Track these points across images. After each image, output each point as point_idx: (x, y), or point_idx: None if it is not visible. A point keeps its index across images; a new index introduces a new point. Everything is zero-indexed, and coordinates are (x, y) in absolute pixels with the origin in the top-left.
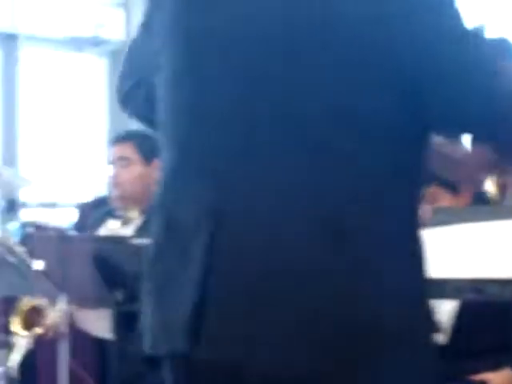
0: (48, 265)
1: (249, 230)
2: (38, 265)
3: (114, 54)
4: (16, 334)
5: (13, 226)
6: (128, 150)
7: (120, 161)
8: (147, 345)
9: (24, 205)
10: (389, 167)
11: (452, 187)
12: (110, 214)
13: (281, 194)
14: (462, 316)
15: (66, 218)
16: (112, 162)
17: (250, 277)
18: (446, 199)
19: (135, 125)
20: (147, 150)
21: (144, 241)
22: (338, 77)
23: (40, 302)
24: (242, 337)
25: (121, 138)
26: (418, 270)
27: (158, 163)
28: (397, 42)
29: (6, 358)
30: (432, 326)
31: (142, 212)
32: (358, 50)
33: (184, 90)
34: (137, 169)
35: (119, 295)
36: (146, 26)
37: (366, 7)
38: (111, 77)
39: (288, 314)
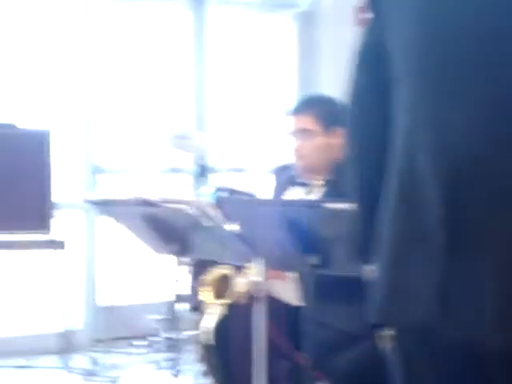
0: (241, 228)
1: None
2: (232, 228)
3: (303, 17)
4: (207, 302)
5: (206, 190)
6: (308, 122)
7: (301, 133)
8: (373, 312)
9: (213, 170)
10: None
11: None
12: (292, 181)
13: None
14: None
15: (253, 183)
16: (293, 133)
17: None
18: None
19: (325, 90)
20: (327, 119)
21: (339, 206)
22: None
23: (229, 270)
24: (490, 316)
25: (300, 109)
26: None
27: (339, 131)
28: None
29: (199, 323)
30: None
31: (324, 181)
32: None
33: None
34: (318, 140)
35: (314, 259)
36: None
37: None
38: (301, 39)
39: None
